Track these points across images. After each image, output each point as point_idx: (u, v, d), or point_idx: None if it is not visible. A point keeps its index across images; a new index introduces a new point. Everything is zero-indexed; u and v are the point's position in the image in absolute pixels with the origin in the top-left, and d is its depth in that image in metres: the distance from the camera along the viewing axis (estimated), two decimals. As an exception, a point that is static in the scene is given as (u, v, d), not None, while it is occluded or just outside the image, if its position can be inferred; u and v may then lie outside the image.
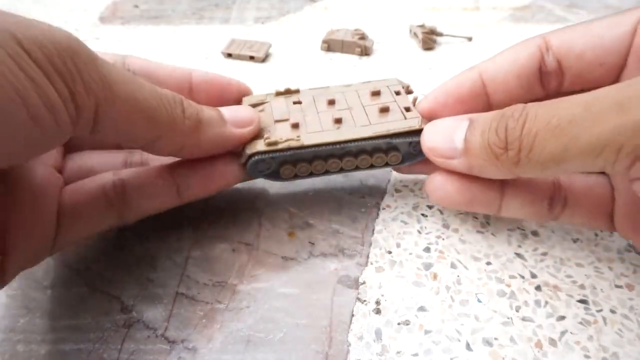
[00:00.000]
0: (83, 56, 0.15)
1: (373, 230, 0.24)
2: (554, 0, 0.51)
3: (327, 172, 0.23)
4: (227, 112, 0.22)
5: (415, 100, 0.24)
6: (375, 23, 0.50)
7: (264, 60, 0.42)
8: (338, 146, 0.22)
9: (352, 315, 0.20)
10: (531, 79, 0.21)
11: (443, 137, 0.21)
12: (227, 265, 0.22)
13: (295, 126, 0.22)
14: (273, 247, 0.23)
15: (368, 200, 0.26)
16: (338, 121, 0.22)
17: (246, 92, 0.25)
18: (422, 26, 0.45)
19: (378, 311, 0.20)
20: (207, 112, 0.21)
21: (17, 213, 0.18)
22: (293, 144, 0.21)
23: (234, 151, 0.22)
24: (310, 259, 0.22)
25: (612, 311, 0.20)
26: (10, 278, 0.18)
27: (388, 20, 0.50)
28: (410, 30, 0.47)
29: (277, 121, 0.23)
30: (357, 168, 0.23)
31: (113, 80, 0.16)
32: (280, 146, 0.21)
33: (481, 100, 0.22)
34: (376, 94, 0.24)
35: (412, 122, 0.22)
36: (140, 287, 0.21)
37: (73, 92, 0.15)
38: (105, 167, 0.23)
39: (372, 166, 0.23)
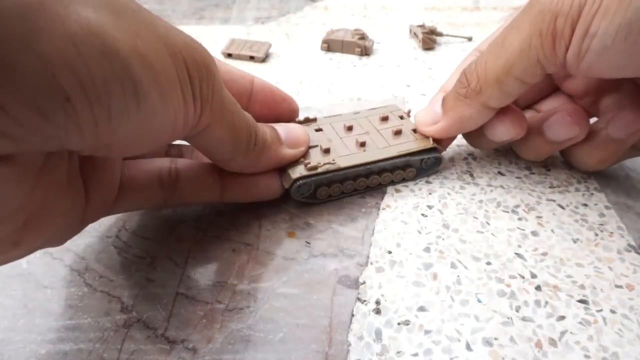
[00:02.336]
0: (216, 79, 0.17)
1: (373, 230, 0.24)
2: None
3: (355, 191, 0.26)
4: (283, 131, 0.23)
5: (409, 112, 0.29)
6: (375, 23, 0.50)
7: (264, 60, 0.42)
8: (366, 167, 0.25)
9: (352, 315, 0.20)
10: None
11: (427, 111, 0.26)
12: (227, 265, 0.22)
13: (327, 151, 0.25)
14: (273, 247, 0.23)
15: (368, 200, 0.26)
16: (362, 145, 0.25)
17: (296, 110, 0.26)
18: (422, 26, 0.45)
19: (378, 311, 0.20)
20: (269, 134, 0.22)
21: (98, 170, 0.19)
22: (331, 167, 0.24)
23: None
24: (310, 259, 0.22)
25: (612, 311, 0.20)
26: (86, 224, 0.19)
27: (388, 20, 0.50)
28: (410, 30, 0.47)
29: (309, 147, 0.25)
30: (379, 185, 0.26)
31: (225, 105, 0.18)
32: (320, 170, 0.24)
33: None
34: (385, 119, 0.28)
35: (425, 142, 0.26)
36: (140, 287, 0.21)
37: (202, 113, 0.16)
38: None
39: (392, 182, 0.27)
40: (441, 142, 0.26)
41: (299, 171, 0.24)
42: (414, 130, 0.27)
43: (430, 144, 0.26)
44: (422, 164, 0.26)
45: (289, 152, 0.23)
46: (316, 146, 0.25)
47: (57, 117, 0.12)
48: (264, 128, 0.22)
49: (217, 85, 0.17)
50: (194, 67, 0.15)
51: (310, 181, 0.24)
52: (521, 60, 0.20)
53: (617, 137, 0.23)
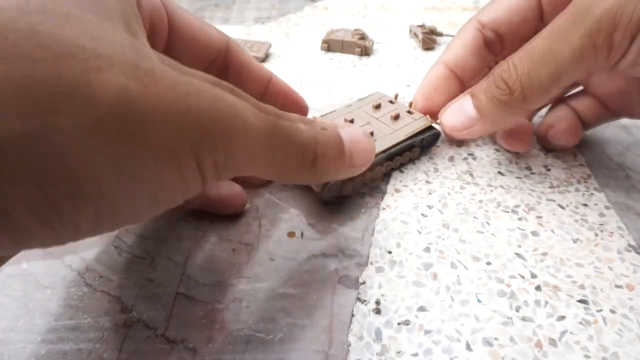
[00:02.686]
0: (240, 144, 0.14)
1: (373, 230, 0.24)
2: (554, 0, 0.51)
3: (374, 181, 0.26)
4: (349, 138, 0.19)
5: (397, 96, 0.30)
6: (375, 23, 0.50)
7: (263, 60, 0.42)
8: (382, 155, 0.26)
9: (352, 315, 0.20)
10: (482, 52, 0.28)
11: (457, 116, 0.26)
12: (226, 265, 0.22)
13: None
14: (273, 247, 0.23)
15: (368, 200, 0.26)
16: (371, 135, 0.26)
17: (305, 113, 0.26)
18: (422, 26, 0.45)
19: (378, 311, 0.20)
20: (331, 146, 0.18)
21: None
22: None
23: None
24: (310, 259, 0.22)
25: (612, 311, 0.20)
26: None
27: (388, 20, 0.50)
28: (410, 30, 0.47)
29: None
30: (392, 170, 0.27)
31: (260, 146, 0.15)
32: None
33: (455, 82, 0.29)
34: (378, 107, 0.29)
35: (424, 121, 0.28)
36: (140, 287, 0.21)
37: (221, 177, 0.14)
38: None
39: (402, 165, 0.28)
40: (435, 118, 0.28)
41: None
42: (409, 112, 0.28)
43: (429, 121, 0.28)
44: (423, 142, 0.28)
45: (350, 171, 0.20)
46: None
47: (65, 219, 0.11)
48: (324, 137, 0.18)
49: (242, 148, 0.14)
50: (207, 138, 0.13)
51: (338, 181, 0.24)
52: (572, 71, 0.21)
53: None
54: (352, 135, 0.19)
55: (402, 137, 0.27)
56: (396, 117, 0.28)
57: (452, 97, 0.28)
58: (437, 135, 0.28)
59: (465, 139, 0.27)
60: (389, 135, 0.27)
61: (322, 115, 0.28)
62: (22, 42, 0.10)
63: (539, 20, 0.27)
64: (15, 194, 0.10)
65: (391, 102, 0.30)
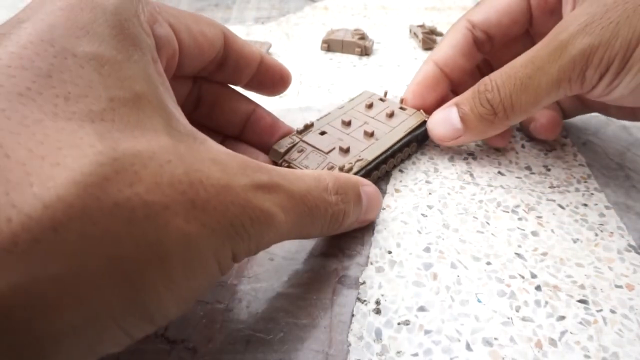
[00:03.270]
0: (272, 227, 0.16)
1: (373, 230, 0.24)
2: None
3: (379, 179, 0.27)
4: (366, 199, 0.22)
5: (386, 93, 0.31)
6: (375, 23, 0.50)
7: (264, 60, 0.42)
8: (386, 153, 0.26)
9: (352, 315, 0.20)
10: (471, 52, 0.29)
11: (444, 127, 0.27)
12: (227, 265, 0.22)
13: (347, 150, 0.25)
14: (273, 247, 0.23)
15: (368, 200, 0.26)
16: (372, 134, 0.26)
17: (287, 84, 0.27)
18: (422, 26, 0.45)
19: (378, 311, 0.20)
20: (351, 209, 0.21)
21: None
22: (362, 163, 0.25)
23: None
24: (310, 259, 0.22)
25: (612, 311, 0.20)
26: None
27: (388, 20, 0.50)
28: (410, 30, 0.47)
29: (327, 153, 0.26)
30: (394, 167, 0.28)
31: (289, 220, 0.17)
32: (355, 170, 0.24)
33: (444, 81, 0.30)
34: (370, 106, 0.29)
35: (419, 116, 0.28)
36: (140, 287, 0.21)
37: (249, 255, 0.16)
38: None
39: (402, 161, 0.28)
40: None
41: None
42: (401, 108, 0.29)
43: (424, 116, 0.28)
44: (419, 136, 0.28)
45: (357, 225, 0.23)
46: (334, 149, 0.26)
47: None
48: (351, 207, 0.21)
49: (271, 238, 0.16)
50: (243, 228, 0.15)
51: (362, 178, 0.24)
52: (549, 97, 0.23)
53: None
54: (369, 196, 0.22)
55: (402, 134, 0.27)
56: (391, 115, 0.28)
57: (441, 95, 0.30)
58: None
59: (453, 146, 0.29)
60: (390, 133, 0.27)
61: (317, 119, 0.28)
62: None
63: (528, 24, 0.28)
64: None
65: (381, 100, 0.30)
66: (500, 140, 0.29)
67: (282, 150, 0.26)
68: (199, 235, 0.13)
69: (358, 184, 0.22)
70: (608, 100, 0.24)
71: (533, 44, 0.25)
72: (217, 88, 0.26)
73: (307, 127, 0.28)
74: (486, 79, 0.25)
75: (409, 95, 0.30)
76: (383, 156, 0.26)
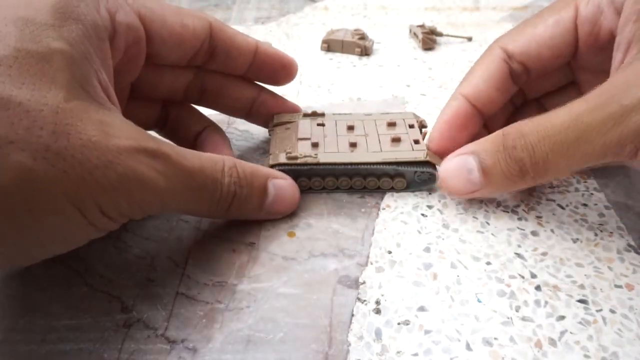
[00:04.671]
0: (147, 199, 0.18)
1: (373, 230, 0.24)
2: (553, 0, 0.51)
3: (337, 189, 0.26)
4: (273, 192, 0.23)
5: (425, 134, 0.27)
6: (375, 23, 0.50)
7: (264, 60, 0.42)
8: (350, 167, 0.25)
9: (352, 315, 0.20)
10: (506, 84, 0.26)
11: (459, 179, 0.23)
12: (227, 265, 0.22)
13: (315, 145, 0.26)
14: (273, 247, 0.23)
15: (368, 200, 0.26)
16: (353, 145, 0.26)
17: (292, 75, 0.28)
18: (422, 26, 0.45)
19: (378, 311, 0.20)
20: (247, 189, 0.22)
21: None
22: (310, 160, 0.25)
23: None
24: (310, 259, 0.22)
25: (612, 311, 0.20)
26: None
27: (388, 20, 0.50)
28: (410, 30, 0.47)
29: (300, 139, 0.26)
30: (364, 188, 0.26)
31: (173, 189, 0.19)
32: (299, 161, 0.24)
33: (477, 118, 0.26)
34: (392, 124, 0.27)
35: (418, 154, 0.25)
36: (140, 287, 0.21)
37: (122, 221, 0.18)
38: None
39: (379, 188, 0.26)
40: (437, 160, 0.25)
41: (279, 158, 0.25)
42: (416, 142, 0.26)
43: (422, 156, 0.25)
44: (415, 176, 0.25)
45: (267, 216, 0.24)
46: (307, 139, 0.26)
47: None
48: (245, 192, 0.22)
49: (147, 202, 0.18)
50: (106, 180, 0.16)
51: (287, 169, 0.24)
52: (590, 164, 0.20)
53: None
54: (279, 189, 0.23)
55: (378, 159, 0.25)
56: (395, 140, 0.26)
57: (473, 135, 0.26)
58: (433, 175, 0.25)
59: (435, 154, 0.25)
60: (371, 153, 0.25)
61: (334, 114, 0.29)
62: None
63: (571, 57, 0.25)
64: None
65: (411, 125, 0.27)
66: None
67: (276, 121, 0.28)
68: (45, 173, 0.15)
69: (266, 175, 0.23)
70: None
71: (573, 76, 0.23)
72: (220, 77, 0.27)
73: (315, 114, 0.28)
74: (515, 132, 0.21)
75: (436, 135, 0.26)
76: (341, 167, 0.25)
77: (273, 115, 0.29)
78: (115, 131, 0.17)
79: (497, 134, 0.22)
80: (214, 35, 0.24)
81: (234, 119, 0.32)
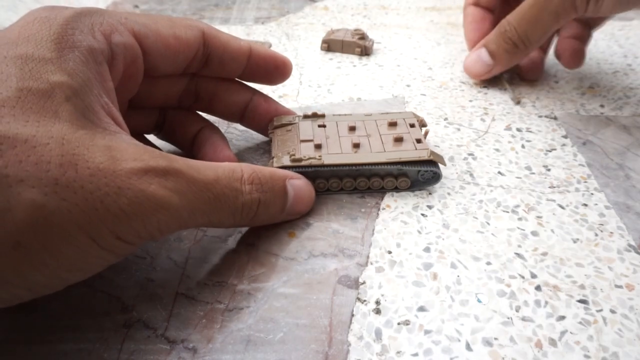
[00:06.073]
0: (161, 219, 0.17)
1: (373, 230, 0.24)
2: None
3: (341, 190, 0.26)
4: (293, 193, 0.23)
5: (426, 133, 0.28)
6: (375, 23, 0.50)
7: (264, 60, 0.42)
8: (354, 168, 0.25)
9: (352, 315, 0.20)
10: None
11: (478, 65, 0.36)
12: (227, 265, 0.22)
13: (318, 147, 0.26)
14: (273, 247, 0.23)
15: (368, 200, 0.26)
16: (356, 146, 0.26)
17: (287, 75, 0.28)
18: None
19: (378, 311, 0.20)
20: (266, 198, 0.22)
21: None
22: (314, 162, 0.24)
23: None
24: (310, 259, 0.22)
25: (612, 311, 0.20)
26: None
27: (388, 20, 0.50)
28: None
29: (302, 141, 0.26)
30: (369, 189, 0.26)
31: (191, 208, 0.18)
32: (303, 163, 0.24)
33: (488, 16, 0.38)
34: (393, 124, 0.28)
35: (421, 153, 0.25)
36: (140, 287, 0.21)
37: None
38: None
39: (382, 188, 0.26)
40: (440, 159, 0.26)
41: (283, 161, 0.25)
42: (418, 141, 0.26)
43: (425, 155, 0.25)
44: (419, 175, 0.26)
45: (287, 218, 0.24)
46: (310, 141, 0.26)
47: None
48: (268, 197, 0.22)
49: (165, 223, 0.18)
50: (118, 207, 0.16)
51: (292, 172, 0.24)
52: (554, 27, 0.32)
53: None
54: (297, 189, 0.23)
55: (382, 160, 0.25)
56: (398, 140, 0.26)
57: (492, 26, 0.36)
58: (436, 175, 0.26)
59: (437, 156, 0.26)
60: (374, 154, 0.25)
61: (334, 115, 0.29)
62: None
63: None
64: None
65: (412, 125, 0.27)
66: (533, 73, 0.37)
67: (277, 123, 0.28)
68: (56, 207, 0.15)
69: (283, 177, 0.23)
70: (604, 15, 0.31)
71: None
72: (213, 82, 0.27)
73: (315, 116, 0.28)
74: (505, 22, 0.33)
75: (470, 37, 0.38)
76: (345, 169, 0.25)
77: (269, 118, 0.29)
78: (122, 154, 0.17)
79: (496, 28, 0.34)
80: (207, 43, 0.25)
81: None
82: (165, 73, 0.24)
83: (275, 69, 0.28)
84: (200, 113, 0.29)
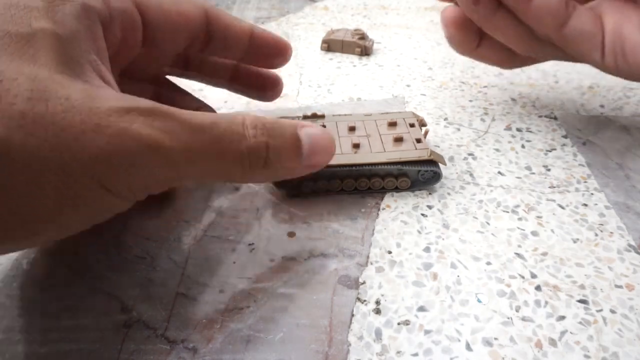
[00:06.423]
0: (148, 173, 0.16)
1: (373, 230, 0.24)
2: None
3: (342, 191, 0.26)
4: (308, 140, 0.20)
5: (426, 132, 0.28)
6: (375, 23, 0.50)
7: (264, 60, 0.42)
8: (354, 168, 0.25)
9: (352, 315, 0.20)
10: None
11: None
12: (227, 265, 0.22)
13: None
14: (273, 247, 0.23)
15: (368, 200, 0.26)
16: (356, 146, 0.26)
17: (287, 59, 0.28)
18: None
19: (378, 311, 0.20)
20: (280, 145, 0.19)
21: None
22: None
23: None
24: (310, 259, 0.22)
25: (612, 311, 0.20)
26: None
27: (388, 20, 0.50)
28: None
29: None
30: (369, 189, 0.26)
31: (190, 154, 0.17)
32: None
33: None
34: (393, 124, 0.27)
35: (422, 152, 0.25)
36: (140, 287, 0.21)
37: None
38: None
39: (383, 188, 0.26)
40: (440, 158, 0.26)
41: None
42: (418, 140, 0.26)
43: (426, 155, 0.25)
44: (420, 175, 0.26)
45: (307, 169, 0.21)
46: None
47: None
48: (278, 142, 0.19)
49: (156, 170, 0.16)
50: (94, 143, 0.15)
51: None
52: None
53: None
54: (312, 137, 0.20)
55: (382, 160, 0.25)
56: (398, 140, 0.26)
57: None
58: (437, 174, 0.26)
59: (437, 156, 0.26)
60: (375, 154, 0.25)
61: (334, 115, 0.29)
62: None
63: None
64: None
65: (412, 125, 0.27)
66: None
67: None
68: (22, 143, 0.13)
69: (293, 124, 0.20)
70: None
71: None
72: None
73: (315, 116, 0.28)
74: None
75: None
76: (346, 169, 0.25)
77: (264, 74, 0.29)
78: (102, 93, 0.15)
79: None
80: (210, 22, 0.24)
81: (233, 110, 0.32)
82: (165, 48, 0.24)
83: (276, 50, 0.27)
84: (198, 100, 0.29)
